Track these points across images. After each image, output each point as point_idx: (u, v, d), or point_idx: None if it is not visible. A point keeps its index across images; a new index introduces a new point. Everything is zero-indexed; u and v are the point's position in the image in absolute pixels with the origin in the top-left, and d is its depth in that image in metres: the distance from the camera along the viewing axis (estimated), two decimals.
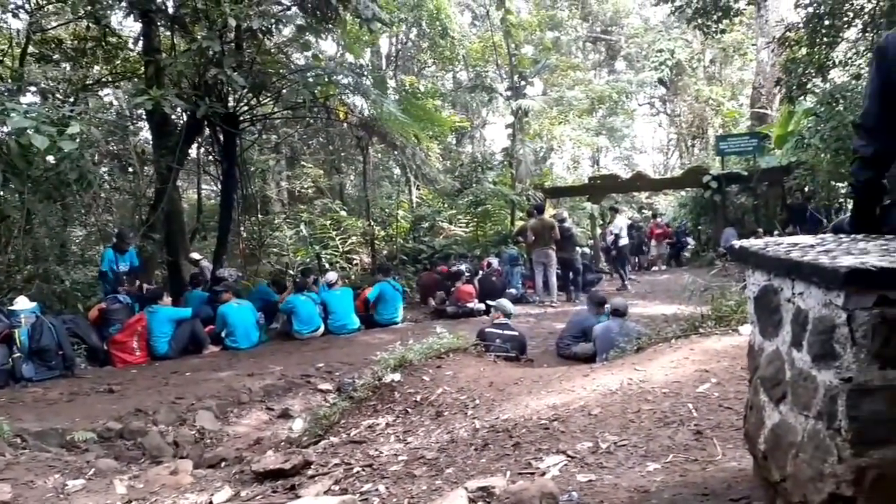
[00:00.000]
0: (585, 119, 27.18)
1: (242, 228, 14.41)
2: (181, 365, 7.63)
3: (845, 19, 11.40)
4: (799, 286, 1.72)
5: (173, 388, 6.43)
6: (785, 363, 1.81)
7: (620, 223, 14.00)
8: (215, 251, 11.61)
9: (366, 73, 14.09)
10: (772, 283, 1.89)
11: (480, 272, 11.87)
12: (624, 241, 13.81)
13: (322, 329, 9.32)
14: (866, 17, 11.14)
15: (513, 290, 11.67)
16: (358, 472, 3.27)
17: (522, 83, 18.32)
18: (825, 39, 11.59)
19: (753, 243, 2.10)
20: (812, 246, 1.91)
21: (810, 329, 1.65)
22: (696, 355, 4.15)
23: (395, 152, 14.02)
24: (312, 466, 3.46)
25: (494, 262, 12.42)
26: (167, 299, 8.68)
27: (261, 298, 9.66)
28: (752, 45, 21.41)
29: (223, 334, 8.61)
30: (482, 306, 10.26)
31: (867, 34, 11.20)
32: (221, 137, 11.35)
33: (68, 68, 11.53)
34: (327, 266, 13.20)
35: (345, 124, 13.87)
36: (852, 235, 2.17)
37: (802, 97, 12.69)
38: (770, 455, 1.90)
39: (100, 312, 8.13)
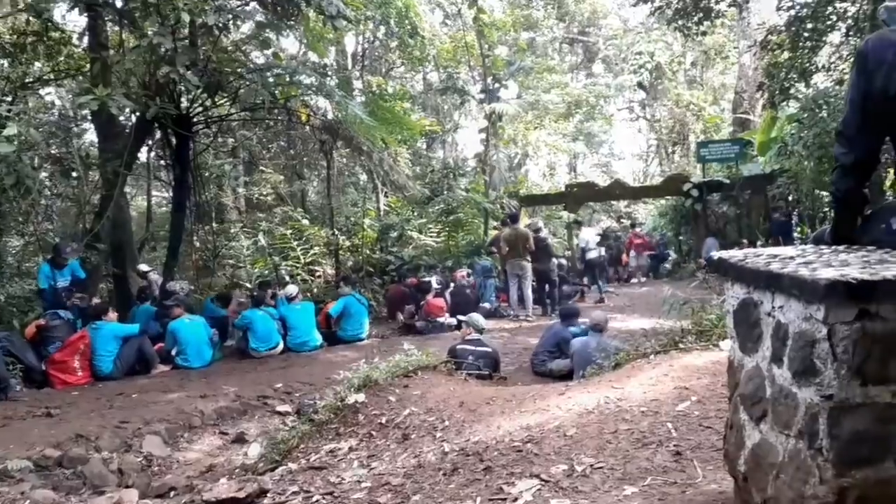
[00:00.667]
0: (562, 124, 27.50)
1: (195, 238, 14.21)
2: (127, 386, 7.46)
3: (828, 23, 11.70)
4: (779, 299, 1.75)
5: (118, 412, 6.28)
6: (765, 380, 1.84)
7: (586, 235, 14.26)
8: (165, 263, 11.43)
9: (330, 73, 14.08)
10: (751, 296, 1.92)
11: (452, 285, 11.88)
12: (593, 252, 14.03)
13: (281, 346, 9.22)
14: (850, 20, 11.45)
15: (486, 305, 11.71)
16: (318, 500, 3.23)
17: (496, 86, 18.45)
18: (808, 43, 11.89)
19: (733, 255, 2.14)
20: (792, 258, 1.94)
21: (790, 344, 1.68)
22: (675, 372, 4.20)
23: (362, 157, 13.98)
24: (269, 495, 3.42)
25: (466, 273, 12.45)
26: (112, 315, 8.51)
27: (208, 316, 9.48)
28: (734, 48, 21.88)
29: (173, 352, 8.47)
30: (453, 321, 10.26)
31: (850, 38, 11.51)
32: (173, 140, 11.21)
33: (6, 65, 11.27)
34: (287, 278, 13.08)
35: (307, 127, 13.79)
36: (833, 247, 2.21)
37: (785, 102, 12.99)
38: (750, 476, 1.92)
39: (38, 329, 7.93)
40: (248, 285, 13.05)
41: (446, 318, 10.60)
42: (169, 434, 5.90)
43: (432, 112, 22.75)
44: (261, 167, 19.01)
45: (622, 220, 24.22)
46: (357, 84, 18.88)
